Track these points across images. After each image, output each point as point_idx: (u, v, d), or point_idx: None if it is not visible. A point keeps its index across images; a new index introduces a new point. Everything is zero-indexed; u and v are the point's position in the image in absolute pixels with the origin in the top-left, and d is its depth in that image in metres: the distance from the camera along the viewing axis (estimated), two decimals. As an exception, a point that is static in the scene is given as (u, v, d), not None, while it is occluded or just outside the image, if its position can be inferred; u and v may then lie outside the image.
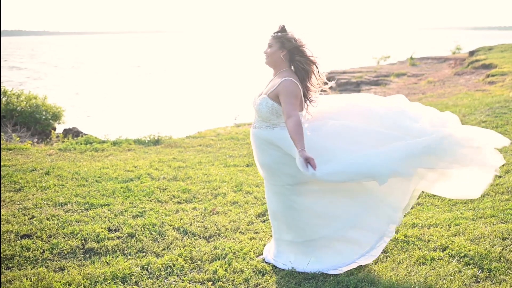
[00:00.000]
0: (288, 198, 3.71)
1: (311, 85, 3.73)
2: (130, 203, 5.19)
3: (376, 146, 3.56)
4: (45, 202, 5.15)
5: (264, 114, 3.64)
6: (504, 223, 4.34)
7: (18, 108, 11.12)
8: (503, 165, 5.94)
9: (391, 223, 3.77)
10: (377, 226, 3.75)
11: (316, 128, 3.68)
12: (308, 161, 3.34)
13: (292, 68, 3.71)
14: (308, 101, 3.74)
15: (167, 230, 4.52)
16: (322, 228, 3.72)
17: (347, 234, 3.72)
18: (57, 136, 10.47)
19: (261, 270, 3.80)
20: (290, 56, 3.68)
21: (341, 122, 3.70)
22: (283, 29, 3.69)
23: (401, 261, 3.84)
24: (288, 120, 3.47)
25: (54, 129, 11.74)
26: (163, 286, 3.61)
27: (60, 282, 3.61)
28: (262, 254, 4.08)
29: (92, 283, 3.61)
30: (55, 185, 5.73)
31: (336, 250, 3.75)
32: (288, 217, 3.75)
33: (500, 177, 5.57)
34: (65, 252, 4.10)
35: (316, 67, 3.72)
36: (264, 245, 4.20)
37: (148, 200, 5.31)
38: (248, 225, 4.67)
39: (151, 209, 5.01)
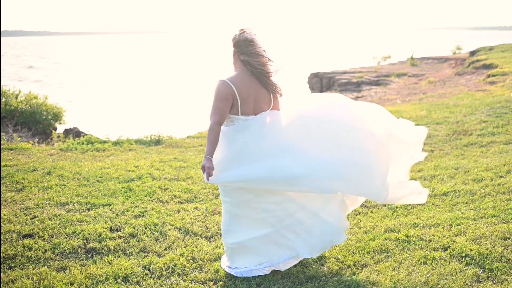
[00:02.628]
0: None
1: (271, 82, 3.60)
2: (131, 203, 5.19)
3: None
4: (46, 202, 5.15)
5: None
6: (505, 223, 4.34)
7: (19, 108, 11.13)
8: (504, 165, 5.94)
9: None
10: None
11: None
12: (203, 169, 3.37)
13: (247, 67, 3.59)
14: (273, 97, 3.64)
15: (169, 230, 4.52)
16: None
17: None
18: (58, 136, 10.48)
19: (263, 269, 3.80)
20: (238, 55, 3.59)
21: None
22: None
23: (403, 261, 3.85)
24: (209, 123, 3.48)
25: (55, 129, 11.75)
26: (165, 285, 3.62)
27: (62, 281, 3.61)
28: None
29: (94, 282, 3.62)
30: (56, 185, 5.73)
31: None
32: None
33: (501, 177, 5.58)
34: (67, 252, 4.10)
35: (261, 62, 3.53)
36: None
37: (149, 200, 5.32)
38: (249, 225, 4.67)
39: (152, 209, 5.02)
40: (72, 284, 3.59)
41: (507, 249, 3.87)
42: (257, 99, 3.58)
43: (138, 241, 4.29)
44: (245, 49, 3.54)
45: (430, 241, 4.12)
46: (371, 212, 4.90)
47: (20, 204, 5.12)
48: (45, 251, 4.10)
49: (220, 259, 3.97)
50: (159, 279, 3.69)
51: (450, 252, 3.90)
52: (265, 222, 3.62)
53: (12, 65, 57.03)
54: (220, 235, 4.44)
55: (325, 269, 3.80)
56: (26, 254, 4.03)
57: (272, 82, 3.62)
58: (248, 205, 3.61)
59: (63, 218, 4.72)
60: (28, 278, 3.66)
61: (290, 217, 3.62)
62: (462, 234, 4.21)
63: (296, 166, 3.41)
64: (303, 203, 3.62)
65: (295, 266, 3.83)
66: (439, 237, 4.16)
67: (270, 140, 3.51)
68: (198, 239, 4.38)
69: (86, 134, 10.23)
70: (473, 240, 4.06)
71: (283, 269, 3.71)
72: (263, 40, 3.60)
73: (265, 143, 3.50)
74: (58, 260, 3.97)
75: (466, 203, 4.95)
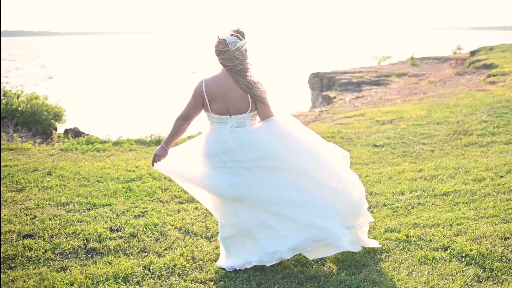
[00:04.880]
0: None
1: (251, 84, 3.55)
2: (131, 203, 5.19)
3: None
4: (47, 202, 5.15)
5: None
6: (505, 223, 4.34)
7: (19, 108, 11.13)
8: (504, 165, 5.94)
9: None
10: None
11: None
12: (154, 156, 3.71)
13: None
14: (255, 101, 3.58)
15: (169, 230, 4.52)
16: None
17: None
18: (58, 136, 10.48)
19: (263, 269, 3.80)
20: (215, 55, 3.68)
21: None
22: None
23: (403, 261, 3.84)
24: None
25: (56, 129, 11.75)
26: (165, 286, 3.62)
27: (63, 282, 3.61)
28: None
29: (94, 283, 3.62)
30: (56, 185, 5.73)
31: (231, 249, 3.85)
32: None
33: (501, 177, 5.57)
34: (67, 252, 4.10)
35: (227, 59, 3.54)
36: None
37: (149, 200, 5.32)
38: (249, 225, 4.67)
39: (152, 209, 5.02)
40: (72, 284, 3.59)
41: (508, 249, 3.86)
42: (230, 99, 3.57)
43: (138, 241, 4.30)
44: (216, 49, 3.62)
45: (431, 241, 4.12)
46: (371, 212, 4.90)
47: (20, 204, 5.12)
48: (45, 251, 4.10)
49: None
50: (159, 279, 3.69)
51: (451, 252, 3.90)
52: (227, 223, 3.76)
53: (26, 64, 58.02)
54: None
55: (325, 269, 3.80)
56: (26, 254, 4.03)
57: (247, 82, 3.54)
58: (216, 206, 3.84)
59: (63, 218, 4.72)
60: (29, 278, 3.66)
61: (243, 223, 3.70)
62: (462, 234, 4.21)
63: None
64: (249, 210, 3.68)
65: (295, 266, 3.83)
66: (440, 237, 4.16)
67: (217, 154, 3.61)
68: (199, 239, 4.38)
69: (87, 134, 10.23)
70: (473, 240, 4.06)
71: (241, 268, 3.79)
72: (244, 40, 3.57)
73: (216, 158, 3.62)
74: (58, 260, 3.97)
75: (466, 203, 4.95)
